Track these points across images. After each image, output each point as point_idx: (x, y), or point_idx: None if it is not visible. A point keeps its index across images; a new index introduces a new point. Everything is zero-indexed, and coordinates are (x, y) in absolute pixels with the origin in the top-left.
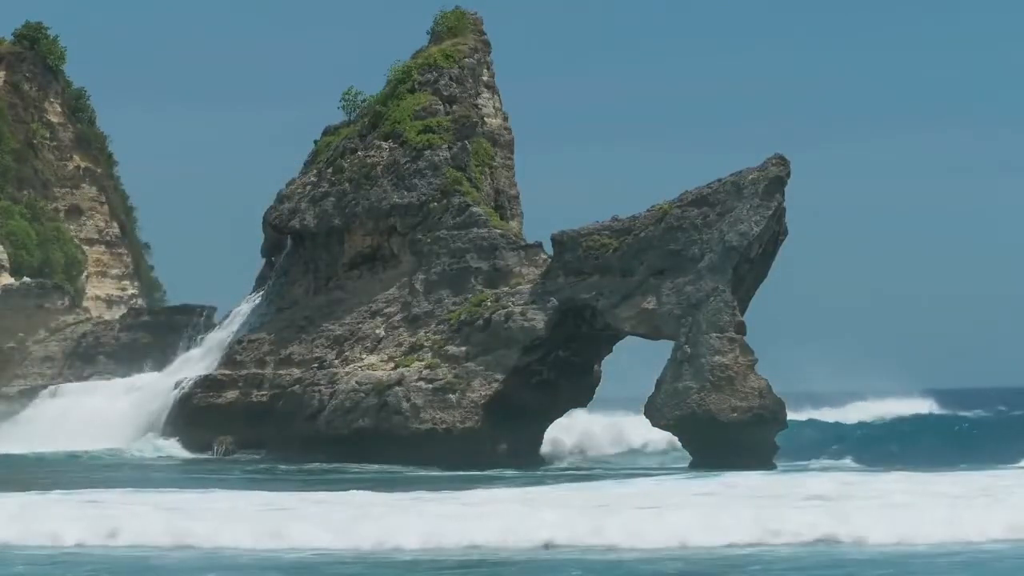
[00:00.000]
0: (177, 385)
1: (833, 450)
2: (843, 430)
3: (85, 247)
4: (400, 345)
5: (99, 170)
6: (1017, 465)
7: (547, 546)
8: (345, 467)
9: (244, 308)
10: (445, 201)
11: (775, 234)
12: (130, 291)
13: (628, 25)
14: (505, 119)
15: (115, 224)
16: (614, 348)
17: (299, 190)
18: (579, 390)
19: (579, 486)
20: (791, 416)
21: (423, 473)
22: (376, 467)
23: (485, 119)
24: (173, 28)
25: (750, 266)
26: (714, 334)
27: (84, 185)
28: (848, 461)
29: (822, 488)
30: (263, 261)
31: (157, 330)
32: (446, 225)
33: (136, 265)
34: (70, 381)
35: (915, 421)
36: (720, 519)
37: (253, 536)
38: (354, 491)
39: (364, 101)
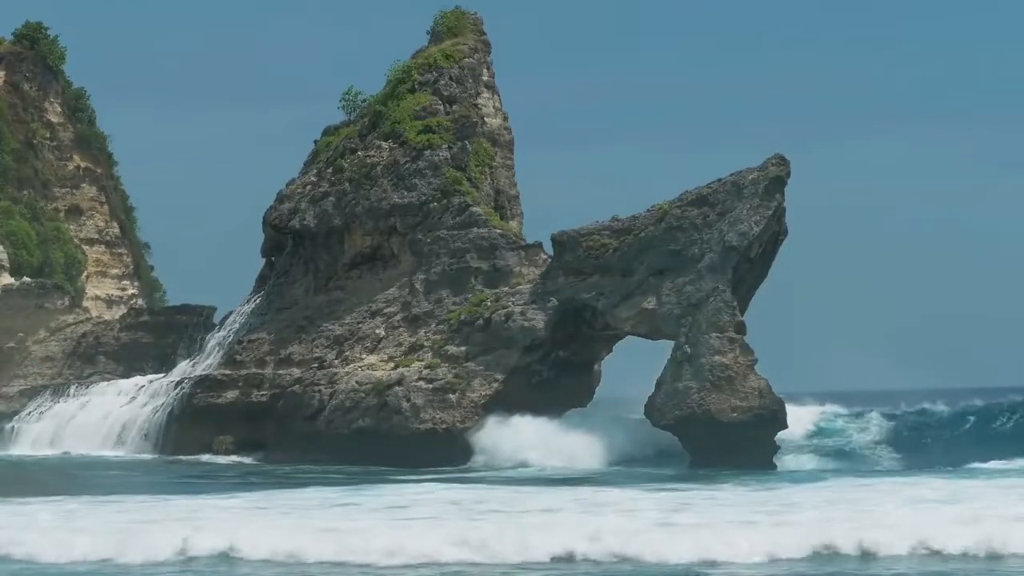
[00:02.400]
0: (177, 385)
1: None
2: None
3: (85, 247)
4: (400, 345)
5: (99, 170)
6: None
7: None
8: (337, 468)
9: (244, 308)
10: (445, 201)
11: (775, 234)
12: (130, 291)
13: (628, 25)
14: (505, 119)
15: (115, 224)
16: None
17: (299, 190)
18: (579, 390)
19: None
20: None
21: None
22: (357, 467)
23: (485, 119)
24: (173, 28)
25: (750, 266)
26: (714, 334)
27: (84, 185)
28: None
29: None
30: (263, 261)
31: (157, 330)
32: (446, 225)
33: (136, 265)
34: (70, 381)
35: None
36: None
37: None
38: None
39: (364, 101)
